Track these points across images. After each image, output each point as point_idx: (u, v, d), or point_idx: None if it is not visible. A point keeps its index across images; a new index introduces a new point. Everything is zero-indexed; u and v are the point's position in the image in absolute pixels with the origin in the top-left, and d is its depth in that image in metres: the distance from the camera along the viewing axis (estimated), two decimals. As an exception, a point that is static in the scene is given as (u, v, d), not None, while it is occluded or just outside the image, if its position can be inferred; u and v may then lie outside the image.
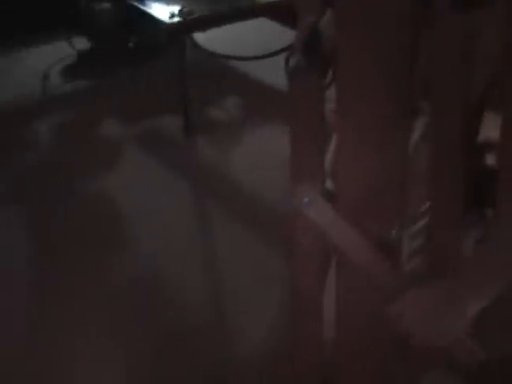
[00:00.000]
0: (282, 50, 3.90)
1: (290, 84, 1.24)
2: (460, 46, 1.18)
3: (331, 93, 1.30)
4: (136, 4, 3.55)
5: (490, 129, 1.31)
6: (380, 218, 1.33)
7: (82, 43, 4.25)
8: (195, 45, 4.10)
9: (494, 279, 1.15)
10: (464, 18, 1.17)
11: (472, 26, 1.22)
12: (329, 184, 1.36)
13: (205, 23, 3.47)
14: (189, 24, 3.34)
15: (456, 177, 1.28)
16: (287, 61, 3.67)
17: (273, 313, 2.35)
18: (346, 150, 1.29)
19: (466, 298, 1.16)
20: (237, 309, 2.45)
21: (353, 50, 1.21)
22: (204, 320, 2.41)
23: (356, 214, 1.33)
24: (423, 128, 1.35)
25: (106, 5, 4.11)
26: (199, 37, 3.93)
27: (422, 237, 1.48)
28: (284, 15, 4.15)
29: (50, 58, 4.23)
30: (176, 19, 3.23)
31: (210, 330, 2.36)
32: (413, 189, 1.49)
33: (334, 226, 1.34)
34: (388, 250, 1.34)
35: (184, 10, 3.27)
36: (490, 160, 1.40)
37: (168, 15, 3.26)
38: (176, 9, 3.29)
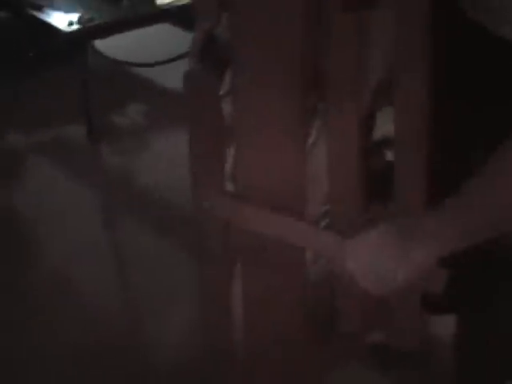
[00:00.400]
0: (185, 55, 3.91)
1: (186, 88, 1.24)
2: (353, 45, 1.21)
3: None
4: (35, 13, 3.49)
5: (388, 124, 1.35)
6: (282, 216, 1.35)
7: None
8: (97, 52, 4.08)
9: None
10: (355, 17, 1.21)
11: (364, 25, 1.26)
12: (230, 187, 1.38)
13: (105, 30, 3.45)
14: (88, 31, 3.31)
15: (353, 176, 1.31)
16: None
17: (186, 317, 2.35)
18: (245, 152, 1.31)
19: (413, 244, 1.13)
20: (150, 315, 2.45)
21: (248, 53, 1.22)
22: (116, 328, 2.40)
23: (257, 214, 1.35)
24: (321, 128, 1.39)
25: (5, 15, 4.05)
26: (101, 44, 3.91)
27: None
28: (186, 20, 4.18)
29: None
30: (75, 27, 3.20)
31: (122, 338, 2.35)
32: (315, 190, 1.53)
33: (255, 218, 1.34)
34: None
35: (83, 17, 3.23)
36: (390, 156, 1.44)
37: (66, 23, 3.22)
38: (75, 17, 3.25)
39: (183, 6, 3.57)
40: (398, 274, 1.14)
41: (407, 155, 1.28)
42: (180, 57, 3.88)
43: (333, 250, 1.29)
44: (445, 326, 1.91)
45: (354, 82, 1.24)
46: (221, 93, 1.34)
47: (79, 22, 3.22)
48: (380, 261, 1.16)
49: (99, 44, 3.97)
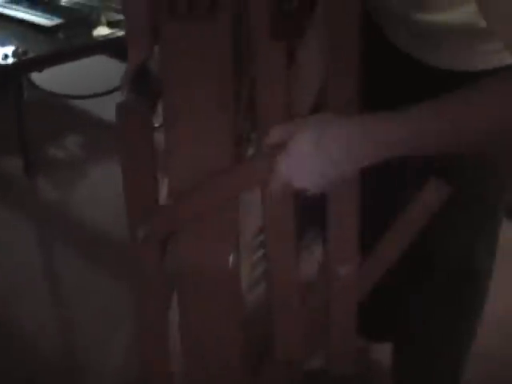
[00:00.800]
0: (120, 88, 3.91)
1: (119, 119, 1.25)
2: (281, 72, 1.24)
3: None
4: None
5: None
6: (216, 244, 1.36)
7: None
8: (33, 84, 4.05)
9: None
10: (283, 45, 1.23)
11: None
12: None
13: (40, 63, 3.42)
14: (23, 65, 3.27)
15: (288, 204, 1.34)
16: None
17: (124, 347, 2.34)
18: (177, 183, 1.32)
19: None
20: (87, 343, 2.43)
21: (178, 84, 1.24)
22: (54, 357, 2.38)
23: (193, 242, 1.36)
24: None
25: None
26: (37, 76, 3.89)
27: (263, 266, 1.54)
28: (122, 52, 4.18)
29: None
30: (10, 60, 3.17)
31: (60, 367, 2.33)
32: (248, 219, 1.55)
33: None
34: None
35: (18, 50, 3.21)
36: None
37: (1, 57, 3.19)
38: (10, 50, 3.23)
39: (119, 37, 3.57)
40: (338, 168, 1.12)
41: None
42: (117, 88, 3.87)
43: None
44: (384, 352, 1.94)
45: (284, 109, 1.27)
46: (156, 125, 1.35)
47: (14, 55, 3.19)
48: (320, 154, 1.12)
49: (35, 76, 3.95)
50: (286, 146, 1.17)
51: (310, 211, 1.40)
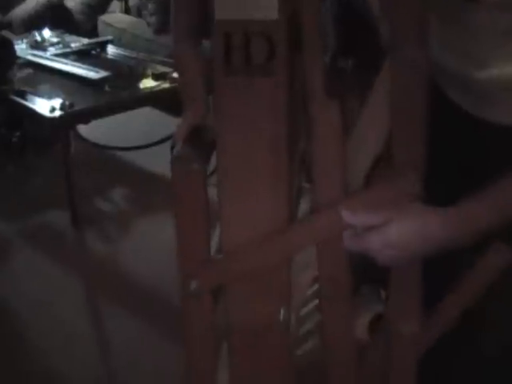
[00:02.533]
0: (167, 139, 3.95)
1: (173, 172, 1.25)
2: (337, 130, 1.22)
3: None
4: (18, 99, 3.53)
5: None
6: (267, 300, 1.34)
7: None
8: (79, 137, 4.11)
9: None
10: (339, 104, 1.23)
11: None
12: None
13: (87, 116, 3.47)
14: (70, 117, 3.33)
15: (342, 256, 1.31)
16: (172, 148, 3.72)
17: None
18: (231, 235, 1.31)
19: None
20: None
21: (233, 137, 1.23)
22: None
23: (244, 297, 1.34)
24: (307, 207, 1.39)
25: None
26: (84, 128, 3.94)
27: (312, 320, 1.51)
28: (168, 104, 4.23)
29: None
30: (57, 113, 3.22)
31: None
32: (301, 273, 1.53)
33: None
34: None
35: (65, 103, 3.26)
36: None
37: (49, 109, 3.24)
38: (58, 103, 3.28)
39: (165, 90, 3.61)
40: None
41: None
42: (162, 140, 3.91)
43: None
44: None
45: (340, 167, 1.25)
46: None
47: (61, 108, 3.24)
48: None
49: (82, 128, 4.00)
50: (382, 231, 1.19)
51: (367, 267, 1.37)
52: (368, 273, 1.45)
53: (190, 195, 1.27)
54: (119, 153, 4.22)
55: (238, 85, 1.16)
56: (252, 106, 1.19)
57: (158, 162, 3.41)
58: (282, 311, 1.37)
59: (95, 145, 4.20)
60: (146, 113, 4.20)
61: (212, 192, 1.29)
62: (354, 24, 1.37)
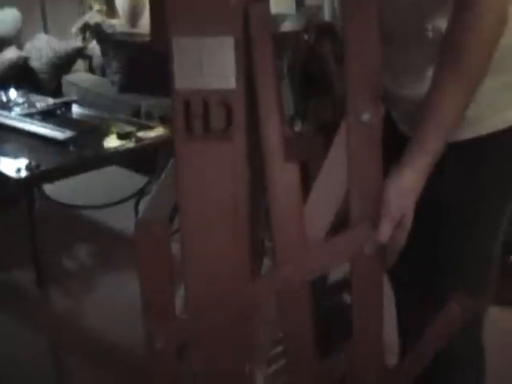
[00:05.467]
0: (132, 196, 3.99)
1: (137, 233, 1.29)
2: (293, 192, 1.28)
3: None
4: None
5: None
6: (233, 355, 1.37)
7: None
8: (44, 195, 4.13)
9: None
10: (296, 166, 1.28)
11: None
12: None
13: (52, 176, 3.50)
14: (36, 178, 3.35)
15: (306, 316, 1.36)
16: (136, 206, 3.73)
17: None
18: (193, 294, 1.35)
19: None
20: None
21: (195, 200, 1.27)
22: None
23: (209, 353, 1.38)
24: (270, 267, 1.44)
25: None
26: (49, 187, 3.96)
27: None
28: (132, 162, 4.28)
29: None
30: (23, 174, 3.24)
31: None
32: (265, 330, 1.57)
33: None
34: None
35: (31, 163, 3.28)
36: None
37: (14, 170, 3.26)
38: (23, 163, 3.30)
39: (129, 148, 3.66)
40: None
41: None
42: (127, 198, 3.95)
43: None
44: None
45: (300, 228, 1.31)
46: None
47: (27, 168, 3.26)
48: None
49: (47, 186, 4.02)
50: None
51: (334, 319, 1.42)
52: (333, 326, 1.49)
53: (154, 257, 1.31)
54: (85, 211, 4.24)
55: (197, 150, 1.22)
56: (212, 170, 1.24)
57: (123, 219, 3.45)
58: (247, 366, 1.41)
59: (60, 204, 4.22)
60: (111, 170, 4.24)
61: (176, 248, 1.34)
62: (310, 87, 1.44)
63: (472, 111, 1.40)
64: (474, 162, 1.55)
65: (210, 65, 1.18)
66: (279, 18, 2.53)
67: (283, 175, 1.27)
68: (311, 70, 1.35)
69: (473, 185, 1.56)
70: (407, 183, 1.35)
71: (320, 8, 2.21)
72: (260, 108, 1.22)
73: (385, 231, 1.33)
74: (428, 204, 1.41)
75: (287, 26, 1.46)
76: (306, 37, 1.31)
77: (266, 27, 1.20)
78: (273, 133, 1.23)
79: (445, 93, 1.34)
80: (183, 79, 1.17)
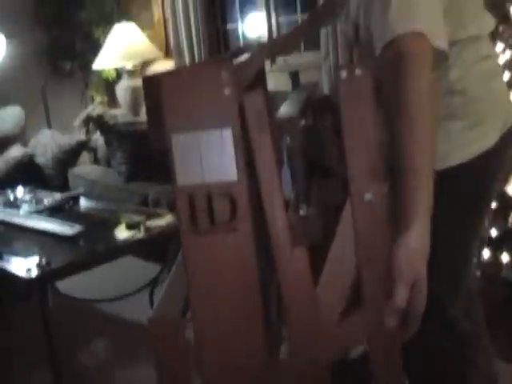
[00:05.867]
0: (145, 286, 3.97)
1: (151, 334, 1.28)
2: (302, 277, 1.27)
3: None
4: (-6, 261, 3.54)
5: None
6: None
7: None
8: (57, 292, 4.11)
9: None
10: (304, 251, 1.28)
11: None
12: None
13: (64, 273, 3.49)
14: (47, 276, 3.34)
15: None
16: (151, 295, 3.72)
17: None
18: (211, 379, 1.33)
19: None
20: None
21: (206, 294, 1.27)
22: None
23: None
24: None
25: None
26: (62, 282, 3.94)
27: None
28: (143, 251, 4.27)
29: None
30: (34, 273, 3.23)
31: None
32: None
33: None
34: None
35: (41, 262, 3.28)
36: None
37: (25, 269, 3.25)
38: (34, 262, 3.30)
39: (140, 239, 3.65)
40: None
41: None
42: (141, 289, 3.94)
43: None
44: None
45: (310, 308, 1.30)
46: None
47: (38, 266, 3.26)
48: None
49: (60, 282, 4.01)
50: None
51: None
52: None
53: (169, 352, 1.30)
54: (99, 304, 4.22)
55: (204, 243, 1.22)
56: (220, 262, 1.24)
57: (138, 309, 3.42)
58: None
59: (73, 299, 4.20)
60: (123, 261, 4.22)
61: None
62: (311, 170, 1.45)
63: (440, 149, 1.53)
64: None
65: (210, 158, 1.19)
66: (278, 96, 2.56)
67: (292, 261, 1.27)
68: (311, 153, 1.36)
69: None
70: (414, 244, 1.37)
71: (316, 85, 2.24)
72: (263, 196, 1.22)
73: (401, 295, 1.33)
74: None
75: (285, 109, 1.48)
76: (303, 122, 1.33)
77: (261, 116, 1.21)
78: (278, 220, 1.23)
79: (406, 141, 1.41)
80: (185, 175, 1.18)
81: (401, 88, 1.43)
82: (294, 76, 2.16)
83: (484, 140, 1.85)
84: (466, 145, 1.82)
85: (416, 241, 1.37)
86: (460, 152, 1.81)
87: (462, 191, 1.86)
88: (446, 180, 1.70)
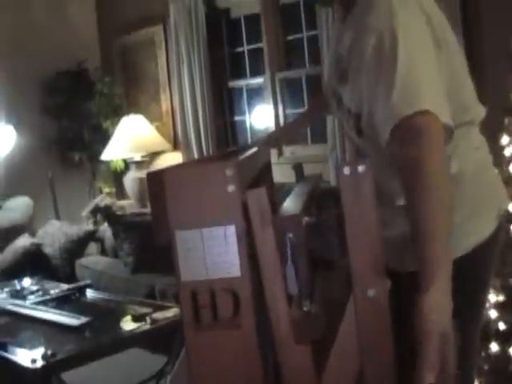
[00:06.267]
0: (151, 378, 3.93)
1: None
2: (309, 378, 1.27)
3: None
4: (-1, 352, 3.52)
5: None
6: None
7: None
8: (62, 382, 4.06)
9: None
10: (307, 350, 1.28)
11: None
12: None
13: (69, 364, 3.46)
14: (52, 367, 3.32)
15: None
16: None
17: None
18: None
19: None
20: None
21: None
22: None
23: None
24: None
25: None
26: (68, 373, 3.90)
27: None
28: (149, 343, 4.24)
29: None
30: (39, 364, 3.21)
31: None
32: None
33: None
34: None
35: (47, 353, 3.26)
36: None
37: (30, 360, 3.24)
38: (39, 352, 3.28)
39: (146, 331, 3.64)
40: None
41: None
42: (146, 381, 3.89)
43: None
44: None
45: None
46: None
47: (43, 357, 3.24)
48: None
49: (65, 374, 3.97)
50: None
51: None
52: None
53: None
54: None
55: (207, 338, 1.23)
56: (223, 357, 1.24)
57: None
58: None
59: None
60: (129, 352, 4.19)
61: None
62: (314, 266, 1.46)
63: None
64: None
65: (213, 254, 1.20)
66: (285, 187, 2.59)
67: (295, 356, 1.27)
68: (313, 247, 1.38)
69: None
70: (437, 301, 1.45)
71: (320, 176, 2.28)
72: (266, 292, 1.23)
73: (430, 354, 1.40)
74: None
75: (289, 204, 1.50)
76: (306, 219, 1.35)
77: (265, 213, 1.23)
78: (281, 315, 1.24)
79: (420, 211, 1.51)
80: (188, 271, 1.20)
81: (419, 161, 1.51)
82: (298, 168, 2.19)
83: (481, 231, 1.87)
84: (464, 237, 1.82)
85: (438, 295, 1.44)
86: (459, 245, 1.80)
87: (462, 282, 1.86)
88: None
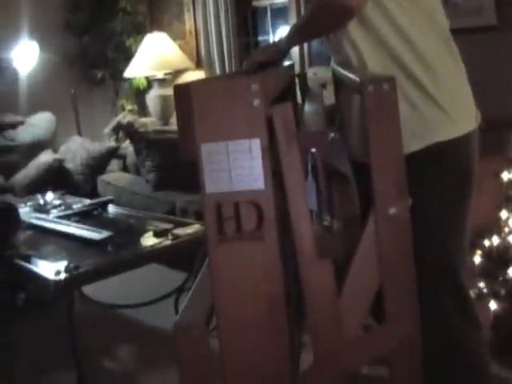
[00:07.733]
0: (171, 294, 3.99)
1: (176, 340, 1.30)
2: (327, 290, 1.29)
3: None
4: (23, 263, 3.58)
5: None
6: None
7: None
8: (83, 296, 4.15)
9: None
10: (329, 263, 1.30)
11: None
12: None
13: (91, 277, 3.52)
14: (75, 279, 3.37)
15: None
16: (176, 303, 3.73)
17: None
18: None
19: None
20: None
21: (231, 298, 1.29)
22: None
23: None
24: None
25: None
26: (89, 287, 3.98)
27: None
28: (170, 259, 4.30)
29: None
30: (62, 276, 3.27)
31: None
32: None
33: None
34: None
35: (70, 266, 3.31)
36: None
37: (54, 272, 3.29)
38: (62, 265, 3.33)
39: (167, 246, 3.68)
40: None
41: None
42: (166, 296, 3.95)
43: None
44: None
45: (333, 321, 1.31)
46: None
47: (66, 270, 3.29)
48: None
49: (86, 287, 4.05)
50: None
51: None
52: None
53: (193, 359, 1.32)
54: (124, 310, 4.25)
55: (231, 251, 1.24)
56: (246, 270, 1.26)
57: (163, 317, 3.43)
58: None
59: (99, 304, 4.24)
60: (150, 268, 4.25)
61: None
62: (334, 181, 1.47)
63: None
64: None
65: (238, 167, 1.21)
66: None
67: (317, 272, 1.29)
68: (328, 163, 1.38)
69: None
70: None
71: (321, 92, 2.29)
72: (290, 208, 1.24)
73: None
74: None
75: (309, 121, 1.51)
76: (332, 135, 1.35)
77: (290, 128, 1.23)
78: (304, 232, 1.26)
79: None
80: (213, 184, 1.21)
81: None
82: (301, 78, 2.19)
83: (464, 125, 1.92)
84: (450, 124, 1.86)
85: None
86: (440, 130, 1.84)
87: (445, 169, 1.88)
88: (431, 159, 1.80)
